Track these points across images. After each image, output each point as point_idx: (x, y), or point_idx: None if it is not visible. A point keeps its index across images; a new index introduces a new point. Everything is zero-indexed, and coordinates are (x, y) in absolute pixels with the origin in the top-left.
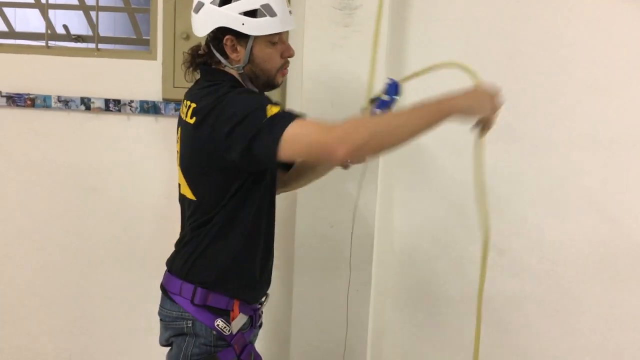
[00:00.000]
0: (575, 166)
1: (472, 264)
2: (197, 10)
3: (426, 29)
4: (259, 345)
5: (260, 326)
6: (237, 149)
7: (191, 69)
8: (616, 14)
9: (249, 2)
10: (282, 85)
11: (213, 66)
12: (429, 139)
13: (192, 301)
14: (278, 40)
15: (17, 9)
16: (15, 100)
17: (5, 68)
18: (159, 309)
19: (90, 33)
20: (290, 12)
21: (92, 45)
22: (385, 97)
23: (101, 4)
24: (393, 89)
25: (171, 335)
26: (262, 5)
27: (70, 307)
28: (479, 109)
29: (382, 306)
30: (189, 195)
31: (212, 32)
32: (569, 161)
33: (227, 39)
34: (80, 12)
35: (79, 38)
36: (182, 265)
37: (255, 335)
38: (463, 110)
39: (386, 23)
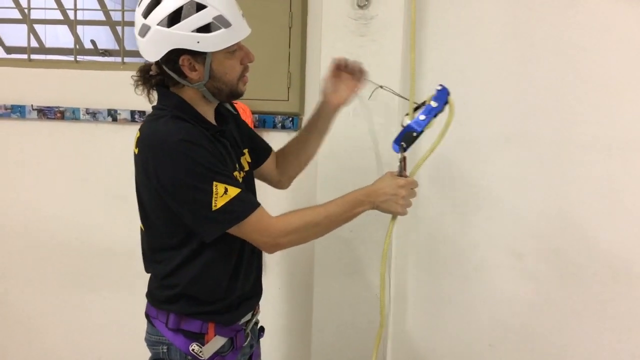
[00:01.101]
0: (589, 169)
1: (490, 268)
2: (142, 34)
3: (440, 36)
4: (279, 349)
5: (259, 338)
6: (181, 213)
7: (146, 90)
8: (628, 17)
9: (200, 17)
10: (300, 94)
11: (170, 86)
12: (447, 147)
13: (166, 325)
14: (236, 48)
15: (47, 25)
16: (46, 113)
17: (36, 82)
18: (145, 334)
19: (116, 47)
20: (242, 15)
21: (118, 59)
22: (434, 104)
23: (126, 19)
24: (444, 95)
25: (152, 359)
26: (214, 18)
27: (100, 311)
28: (393, 208)
29: (402, 310)
30: (143, 222)
31: (166, 54)
32: (582, 164)
33: (184, 59)
34: (107, 28)
35: (105, 52)
36: (152, 291)
37: (245, 355)
38: (378, 209)
39: (401, 32)
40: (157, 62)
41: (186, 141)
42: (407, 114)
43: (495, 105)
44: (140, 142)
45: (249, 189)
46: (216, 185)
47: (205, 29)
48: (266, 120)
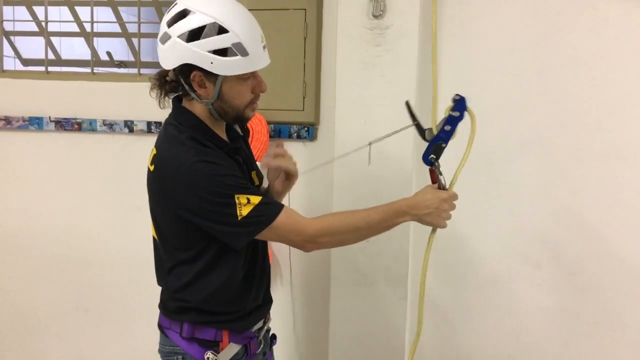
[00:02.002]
0: (606, 177)
1: (508, 278)
2: (163, 41)
3: (457, 46)
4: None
5: (272, 346)
6: (208, 228)
7: (162, 95)
8: None
9: (220, 40)
10: (315, 104)
11: (183, 99)
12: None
13: (180, 334)
14: (250, 75)
15: (62, 37)
16: (63, 124)
17: (53, 94)
18: (158, 345)
19: (131, 58)
20: (264, 47)
21: (133, 70)
22: (455, 114)
23: (143, 30)
24: (462, 104)
25: None
26: (233, 44)
27: (116, 321)
28: (436, 221)
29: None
30: (157, 235)
31: (179, 66)
32: (598, 172)
33: (195, 75)
34: (122, 39)
35: (121, 63)
36: (165, 302)
37: None
38: (420, 221)
39: (416, 42)
40: (173, 70)
41: (202, 161)
42: (429, 128)
43: (510, 114)
44: (157, 162)
45: None
46: (238, 197)
47: (222, 52)
48: (282, 130)
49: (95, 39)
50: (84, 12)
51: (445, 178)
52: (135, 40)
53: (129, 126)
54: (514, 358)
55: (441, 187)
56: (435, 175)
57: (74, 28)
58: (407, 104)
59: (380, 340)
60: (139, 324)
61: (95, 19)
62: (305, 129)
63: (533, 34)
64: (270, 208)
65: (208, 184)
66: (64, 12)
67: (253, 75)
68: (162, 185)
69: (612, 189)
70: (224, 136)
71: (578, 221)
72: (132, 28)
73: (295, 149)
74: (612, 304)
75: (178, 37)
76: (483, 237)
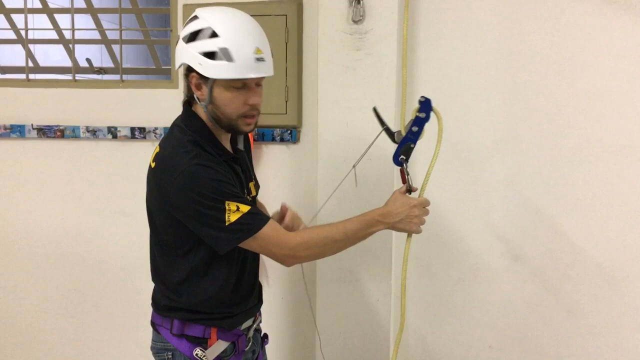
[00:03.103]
0: (578, 172)
1: (487, 271)
2: (176, 42)
3: (434, 49)
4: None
5: (263, 345)
6: (196, 229)
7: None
8: (612, 27)
9: (209, 43)
10: (298, 107)
11: (192, 102)
12: (441, 153)
13: (171, 331)
14: (242, 86)
15: (37, 45)
16: (46, 132)
17: (35, 102)
18: (151, 342)
19: (111, 65)
20: (259, 59)
21: (114, 77)
22: (422, 115)
23: (124, 37)
24: (428, 106)
25: None
26: (220, 49)
27: (101, 321)
28: (408, 227)
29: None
30: (150, 230)
31: (183, 66)
32: (570, 167)
33: (192, 76)
34: (100, 46)
35: (101, 70)
36: (157, 300)
37: None
38: (394, 228)
39: (395, 46)
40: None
41: (199, 164)
42: (397, 131)
43: (487, 112)
44: (158, 160)
45: None
46: (228, 204)
47: (210, 55)
48: (265, 134)
49: (72, 46)
50: (59, 19)
51: (418, 181)
52: (115, 47)
53: (113, 132)
54: (494, 348)
55: (409, 187)
56: (404, 175)
57: (52, 35)
58: (375, 110)
59: (366, 334)
60: (124, 323)
61: (73, 26)
62: (288, 132)
63: (506, 37)
64: (257, 218)
65: (201, 186)
66: (38, 19)
67: (247, 86)
68: (159, 182)
69: (583, 184)
70: (226, 145)
71: (552, 215)
72: (110, 35)
73: (278, 152)
74: (586, 294)
75: (182, 38)
76: (463, 233)
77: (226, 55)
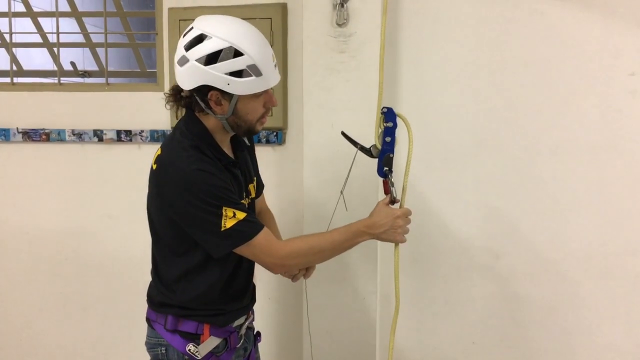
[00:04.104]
0: (560, 171)
1: (470, 269)
2: (181, 64)
3: (417, 50)
4: (271, 358)
5: (256, 343)
6: (192, 232)
7: (177, 109)
8: (586, 32)
9: (235, 63)
10: (283, 109)
11: (196, 111)
12: (424, 155)
13: (165, 327)
14: (262, 92)
15: (20, 48)
16: (31, 135)
17: (20, 106)
18: (145, 338)
19: (95, 68)
20: (275, 65)
21: (98, 80)
22: (390, 124)
23: (109, 40)
24: (392, 115)
25: None
26: (248, 66)
27: (92, 326)
28: (393, 237)
29: (388, 311)
30: (150, 229)
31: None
32: (553, 167)
33: (212, 94)
34: (83, 49)
35: (85, 73)
36: (152, 296)
37: (240, 357)
38: (379, 239)
39: (378, 49)
40: (190, 89)
41: (199, 170)
42: (372, 145)
43: (469, 114)
44: (159, 162)
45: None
46: (225, 210)
47: (238, 74)
48: None
49: (57, 49)
50: (43, 22)
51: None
52: (102, 50)
53: (99, 135)
54: (477, 344)
55: (393, 198)
56: (387, 187)
57: (36, 38)
58: (343, 134)
59: (353, 332)
60: (110, 325)
61: (56, 30)
62: (274, 133)
63: (487, 39)
64: (252, 226)
65: (200, 191)
66: (21, 22)
67: (265, 91)
68: (159, 184)
69: (562, 183)
70: (227, 149)
71: (532, 214)
72: (96, 38)
73: (264, 153)
74: (567, 291)
75: (196, 60)
76: (446, 232)
77: (254, 71)
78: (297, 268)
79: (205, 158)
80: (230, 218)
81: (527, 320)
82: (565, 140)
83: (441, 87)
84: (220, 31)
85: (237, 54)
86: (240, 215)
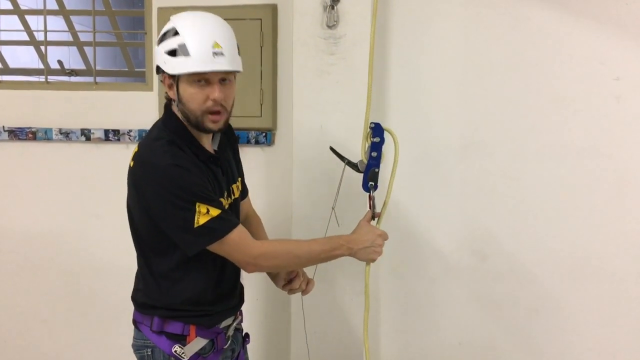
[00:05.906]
0: (546, 174)
1: (457, 270)
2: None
3: (406, 53)
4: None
5: (245, 344)
6: (166, 228)
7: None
8: (573, 35)
9: (172, 41)
10: (272, 110)
11: (171, 104)
12: (413, 158)
13: (151, 328)
14: (204, 82)
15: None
16: (17, 134)
17: (6, 104)
18: (132, 340)
19: (79, 66)
20: (218, 53)
21: (85, 79)
22: (377, 139)
23: (97, 39)
24: (379, 130)
25: None
26: (179, 45)
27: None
28: (370, 256)
29: (376, 313)
30: (130, 229)
31: (157, 69)
32: (539, 169)
33: (163, 76)
34: (72, 48)
35: (72, 72)
36: (137, 298)
37: (227, 358)
38: (355, 256)
39: (368, 50)
40: None
41: (175, 165)
42: (359, 160)
43: (456, 117)
44: (136, 158)
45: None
46: (199, 205)
47: (172, 53)
48: (240, 136)
49: (44, 47)
50: (29, 20)
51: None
52: (87, 49)
53: (86, 134)
54: (463, 345)
55: (374, 213)
56: (372, 201)
57: (22, 36)
58: (332, 149)
59: (341, 332)
60: (98, 327)
61: (43, 28)
62: (263, 134)
63: (475, 43)
64: (225, 223)
65: (174, 186)
66: (6, 20)
67: (208, 82)
68: (135, 181)
69: (548, 185)
70: (207, 145)
71: (518, 215)
72: (83, 37)
73: (253, 154)
74: (550, 293)
75: (157, 42)
76: (433, 233)
77: (184, 50)
78: (270, 270)
79: (181, 153)
80: (204, 215)
81: (513, 322)
82: (551, 144)
83: (430, 90)
84: (179, 17)
85: (175, 33)
86: (214, 212)
